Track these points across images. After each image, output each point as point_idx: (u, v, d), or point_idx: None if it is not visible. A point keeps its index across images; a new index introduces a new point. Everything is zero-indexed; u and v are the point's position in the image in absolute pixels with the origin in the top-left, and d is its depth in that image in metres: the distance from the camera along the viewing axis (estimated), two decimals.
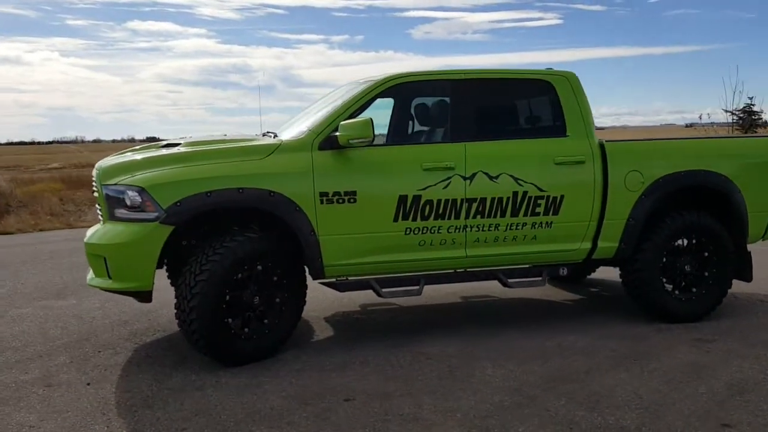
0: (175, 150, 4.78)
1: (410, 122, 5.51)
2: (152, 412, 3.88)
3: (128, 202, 4.43)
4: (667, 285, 5.40)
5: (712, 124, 20.11)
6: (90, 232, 4.97)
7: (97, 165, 4.88)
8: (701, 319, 5.44)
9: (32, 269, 8.23)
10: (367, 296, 6.09)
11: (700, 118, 20.54)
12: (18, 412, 3.92)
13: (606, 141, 5.26)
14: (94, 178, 4.82)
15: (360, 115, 4.81)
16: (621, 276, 5.52)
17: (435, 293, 6.33)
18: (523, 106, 5.38)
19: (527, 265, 5.25)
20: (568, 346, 4.91)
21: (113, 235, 4.45)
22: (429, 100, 5.28)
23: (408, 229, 4.82)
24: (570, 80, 5.26)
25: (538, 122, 5.32)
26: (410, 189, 4.78)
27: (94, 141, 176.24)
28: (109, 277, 4.52)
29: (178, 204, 4.37)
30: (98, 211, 4.92)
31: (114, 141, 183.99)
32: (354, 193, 4.68)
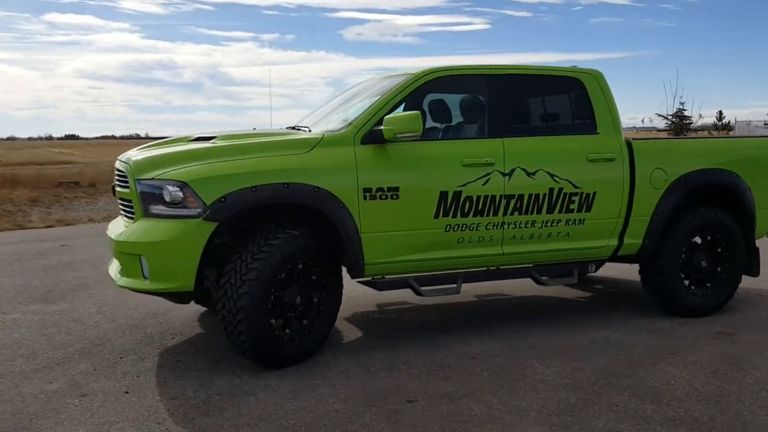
0: (212, 143, 4.55)
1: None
2: (211, 419, 3.67)
3: (167, 198, 4.18)
4: (684, 280, 5.53)
5: (654, 128, 20.97)
6: (114, 228, 4.69)
7: (124, 159, 4.59)
8: (713, 313, 5.60)
9: (1, 273, 7.69)
10: (379, 295, 5.99)
11: (642, 121, 21.47)
12: (61, 425, 3.63)
13: (632, 139, 5.35)
14: (122, 172, 4.53)
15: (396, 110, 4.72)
16: (641, 272, 5.62)
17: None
18: (555, 102, 5.41)
19: (558, 263, 5.27)
20: (602, 341, 4.96)
21: (152, 233, 4.19)
22: (466, 95, 5.21)
23: (448, 226, 4.75)
24: (597, 78, 5.32)
25: (569, 119, 5.35)
26: (451, 185, 4.71)
27: (8, 138, 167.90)
28: (145, 277, 4.26)
29: (223, 200, 4.16)
30: (124, 208, 4.64)
31: (30, 138, 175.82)
32: (397, 188, 4.57)
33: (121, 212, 4.76)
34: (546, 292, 6.47)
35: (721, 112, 35.12)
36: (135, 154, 4.61)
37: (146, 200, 4.28)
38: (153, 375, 4.35)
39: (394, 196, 4.57)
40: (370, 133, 4.58)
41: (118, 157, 4.87)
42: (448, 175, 4.72)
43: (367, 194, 4.50)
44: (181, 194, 4.16)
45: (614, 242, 5.31)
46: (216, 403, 3.87)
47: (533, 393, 3.99)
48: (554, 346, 4.85)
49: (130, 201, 4.49)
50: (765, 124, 43.16)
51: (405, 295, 5.81)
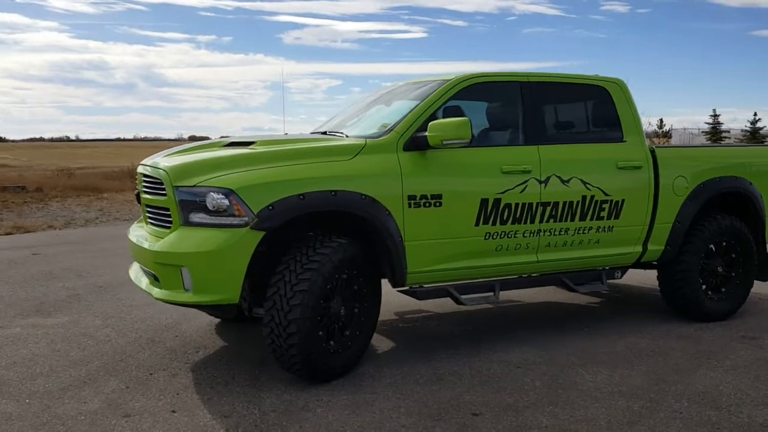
0: (252, 149, 4.37)
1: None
2: None
3: (211, 206, 3.98)
4: (702, 286, 5.64)
5: None
6: (138, 236, 4.45)
7: (155, 165, 4.34)
8: (728, 318, 5.73)
9: None
10: (395, 304, 5.92)
11: None
12: None
13: (656, 147, 5.43)
14: (153, 179, 4.30)
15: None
16: (660, 278, 5.70)
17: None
18: (583, 110, 5.42)
19: (587, 270, 5.29)
20: (635, 348, 4.99)
21: (196, 243, 3.97)
22: (501, 101, 5.18)
23: (488, 234, 4.70)
24: (621, 86, 5.38)
25: (597, 127, 5.38)
26: (491, 192, 4.67)
27: None
28: (186, 289, 4.04)
29: (271, 208, 3.99)
30: (154, 216, 4.40)
31: None
32: (440, 196, 4.49)
33: (149, 221, 4.52)
34: (558, 298, 6.51)
35: (662, 120, 36.46)
36: (168, 160, 4.37)
37: (186, 208, 4.07)
38: (193, 392, 4.12)
39: (438, 204, 4.49)
40: (413, 139, 4.49)
41: (144, 163, 4.63)
42: (488, 182, 4.68)
43: (412, 202, 4.40)
44: (226, 202, 3.96)
45: (639, 249, 5.37)
46: (274, 421, 3.69)
47: (593, 402, 3.97)
48: (591, 353, 4.85)
49: (163, 209, 4.26)
50: (703, 132, 45.00)
51: (419, 303, 5.76)
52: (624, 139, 5.28)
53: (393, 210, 4.33)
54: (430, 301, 5.05)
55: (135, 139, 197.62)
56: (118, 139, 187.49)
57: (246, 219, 3.96)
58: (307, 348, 4.03)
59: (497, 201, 4.67)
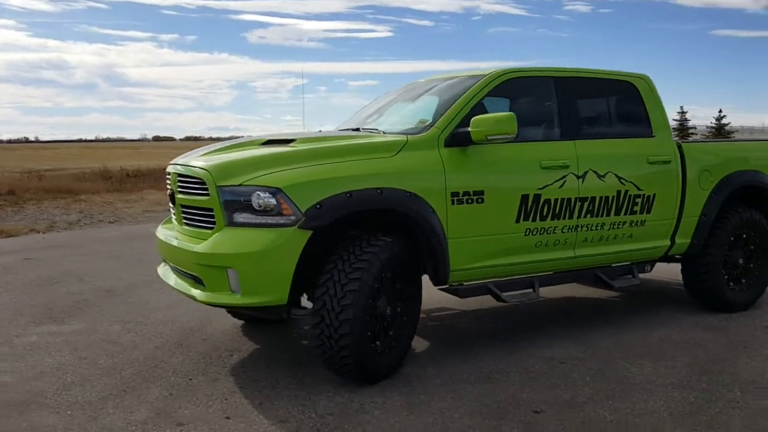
0: (293, 147, 4.26)
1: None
2: None
3: (257, 205, 3.87)
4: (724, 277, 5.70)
5: None
6: (173, 238, 4.32)
7: (196, 164, 4.20)
8: (748, 308, 5.80)
9: None
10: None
11: None
12: None
13: (681, 142, 5.46)
14: (192, 178, 4.16)
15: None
16: (684, 270, 5.75)
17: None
18: (613, 105, 5.42)
19: (620, 264, 5.30)
20: (669, 339, 5.02)
21: (244, 243, 3.85)
22: (537, 96, 5.14)
23: (528, 230, 4.67)
24: (647, 82, 5.40)
25: (627, 122, 5.38)
26: (531, 188, 4.64)
27: None
28: (233, 291, 3.92)
29: (319, 206, 3.89)
30: (190, 217, 4.27)
31: None
32: (482, 192, 4.44)
33: (185, 221, 4.38)
34: (578, 293, 6.52)
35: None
36: (208, 160, 4.24)
37: (231, 208, 3.95)
38: (241, 396, 4.01)
39: (480, 200, 4.44)
40: (453, 135, 4.43)
41: (178, 162, 4.49)
42: (528, 178, 4.64)
43: (455, 198, 4.35)
44: (273, 201, 3.85)
45: (667, 242, 5.40)
46: (335, 424, 3.60)
47: (648, 394, 3.97)
48: (629, 346, 4.86)
49: (204, 209, 4.13)
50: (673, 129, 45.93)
51: (441, 301, 5.72)
52: (653, 134, 5.30)
53: (437, 207, 4.27)
54: (453, 298, 4.98)
55: (97, 140, 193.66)
56: (80, 140, 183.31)
57: (293, 218, 3.85)
58: (359, 349, 3.95)
59: (537, 197, 4.64)
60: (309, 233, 3.89)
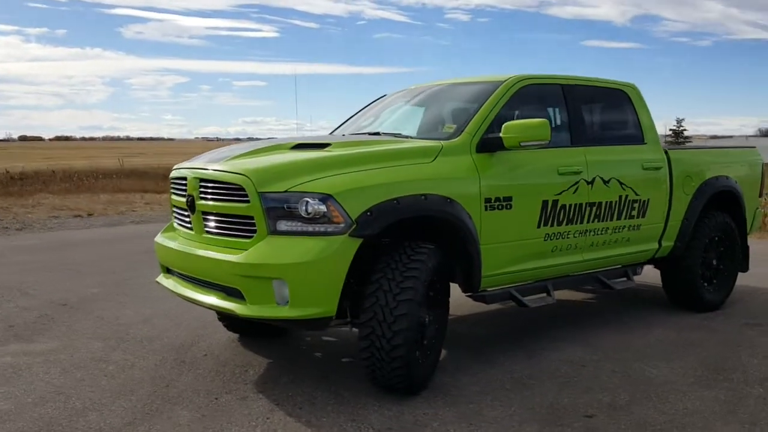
0: (330, 151, 4.08)
1: None
2: None
3: (305, 212, 3.67)
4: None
5: None
6: (192, 248, 4.04)
7: (229, 169, 3.91)
8: (719, 308, 6.15)
9: None
10: None
11: None
12: None
13: (668, 149, 5.72)
14: (229, 184, 3.88)
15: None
16: (664, 272, 6.01)
17: (461, 300, 6.14)
18: (611, 113, 5.59)
19: (616, 267, 5.47)
20: (666, 339, 5.22)
21: (293, 252, 3.64)
22: (549, 103, 5.19)
23: (547, 235, 4.73)
24: (636, 90, 5.62)
25: (624, 129, 5.56)
26: (551, 193, 4.70)
27: None
28: (278, 303, 3.69)
29: (369, 213, 3.75)
30: (220, 224, 3.99)
31: None
32: (510, 198, 4.45)
33: (208, 230, 4.08)
34: (560, 296, 6.64)
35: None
36: (240, 164, 3.96)
37: (274, 215, 3.73)
38: (283, 415, 3.77)
39: (509, 206, 4.45)
40: (485, 140, 4.42)
41: (196, 166, 4.19)
42: (549, 183, 4.71)
43: (488, 204, 4.33)
44: (323, 208, 3.67)
45: (656, 245, 5.64)
46: None
47: (681, 394, 4.10)
48: (633, 347, 5.00)
49: (238, 217, 3.87)
50: None
51: None
52: (644, 141, 5.52)
53: (472, 213, 4.23)
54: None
55: None
56: None
57: (342, 226, 3.69)
58: (410, 360, 3.83)
59: (555, 202, 4.71)
60: (359, 242, 3.73)
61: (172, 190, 4.57)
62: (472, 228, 4.21)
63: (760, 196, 6.69)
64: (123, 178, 25.78)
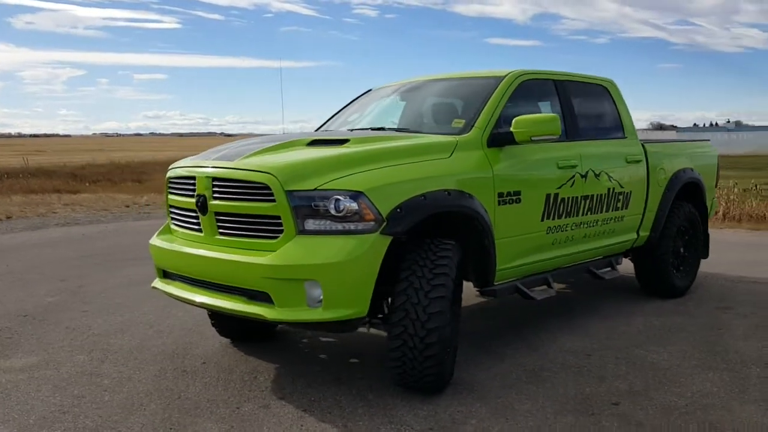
0: (351, 147, 3.97)
1: None
2: None
3: (335, 210, 3.56)
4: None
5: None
6: (204, 251, 3.84)
7: (249, 168, 3.73)
8: (685, 293, 6.45)
9: None
10: None
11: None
12: None
13: (645, 143, 5.93)
14: (251, 183, 3.69)
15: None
16: (639, 261, 6.24)
17: None
18: (597, 108, 5.71)
19: (603, 258, 5.62)
20: (652, 326, 5.42)
21: (326, 252, 3.51)
22: (544, 98, 5.25)
23: (549, 228, 4.80)
24: (615, 86, 5.80)
25: (608, 124, 5.71)
26: (552, 187, 4.78)
27: None
28: (309, 306, 3.56)
29: (399, 210, 3.68)
30: (237, 224, 3.80)
31: None
32: (519, 192, 4.49)
33: (222, 231, 3.89)
34: None
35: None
36: (260, 162, 3.78)
37: (302, 214, 3.59)
38: (317, 421, 3.64)
39: (518, 200, 4.48)
40: (495, 135, 4.43)
41: (206, 165, 3.98)
42: (550, 177, 4.78)
43: (500, 199, 4.36)
44: (355, 205, 3.57)
45: (634, 235, 5.84)
46: None
47: (691, 378, 4.26)
48: (626, 335, 5.15)
49: (261, 216, 3.70)
50: None
51: None
52: (625, 135, 5.70)
53: (488, 207, 4.24)
54: None
55: None
56: None
57: (373, 223, 3.60)
58: (442, 358, 3.79)
59: (556, 196, 4.79)
60: (389, 239, 3.65)
61: (172, 191, 4.32)
62: (489, 222, 4.21)
63: (716, 186, 7.06)
64: (30, 177, 24.31)
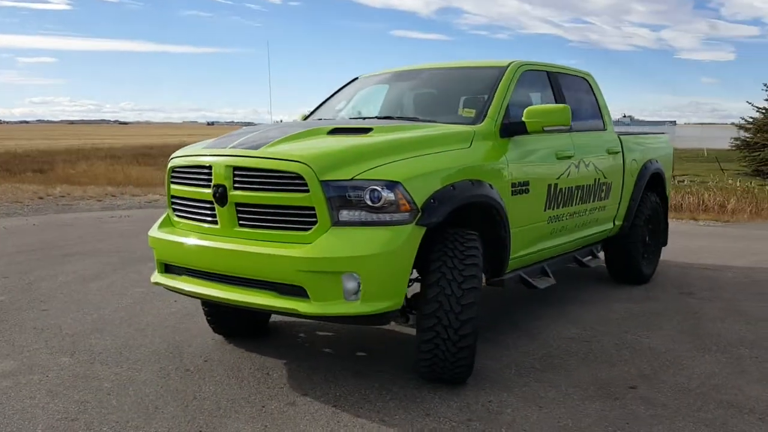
0: (375, 136, 3.87)
1: None
2: None
3: (371, 200, 3.46)
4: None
5: (232, 122, 22.68)
6: (225, 244, 3.66)
7: (280, 156, 3.55)
8: (649, 280, 6.74)
9: None
10: None
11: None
12: None
13: (620, 135, 6.13)
14: (282, 172, 3.52)
15: None
16: (611, 249, 6.44)
17: None
18: (582, 100, 5.82)
19: (586, 246, 5.77)
20: (631, 313, 5.61)
21: (364, 244, 3.41)
22: (541, 89, 5.28)
23: (550, 218, 4.88)
24: (593, 79, 5.96)
25: (591, 116, 5.84)
26: (553, 177, 4.86)
27: None
28: (346, 299, 3.45)
29: (433, 201, 3.63)
30: (264, 215, 3.63)
31: None
32: (527, 182, 4.54)
33: (243, 222, 3.70)
34: None
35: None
36: (289, 150, 3.62)
37: (336, 204, 3.47)
38: (351, 416, 3.54)
39: (527, 191, 4.53)
40: (507, 125, 4.45)
41: (226, 153, 3.77)
42: (552, 167, 4.86)
43: (513, 189, 4.38)
44: (392, 196, 3.49)
45: (611, 225, 6.03)
46: (482, 428, 3.41)
47: (693, 361, 4.44)
48: (611, 321, 5.32)
49: (290, 207, 3.55)
50: None
51: None
52: (605, 127, 5.86)
53: (504, 197, 4.25)
54: None
55: None
56: None
57: (408, 214, 3.53)
58: (474, 349, 3.77)
59: (556, 186, 4.87)
60: (424, 230, 3.59)
61: (177, 181, 4.07)
62: (505, 212, 4.22)
63: (673, 177, 7.40)
64: None
